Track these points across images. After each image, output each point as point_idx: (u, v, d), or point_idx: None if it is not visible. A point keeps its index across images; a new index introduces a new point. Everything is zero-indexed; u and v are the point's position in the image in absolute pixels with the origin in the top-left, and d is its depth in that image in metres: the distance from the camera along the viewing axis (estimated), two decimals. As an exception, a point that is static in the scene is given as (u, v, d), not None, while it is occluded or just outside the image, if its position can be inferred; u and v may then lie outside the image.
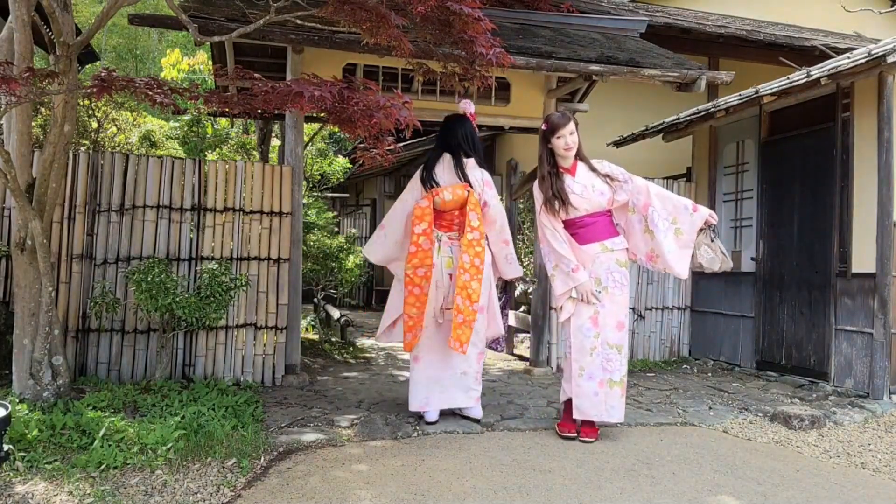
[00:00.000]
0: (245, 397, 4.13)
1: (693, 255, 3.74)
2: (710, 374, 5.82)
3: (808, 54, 7.74)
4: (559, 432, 3.71)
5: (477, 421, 3.93)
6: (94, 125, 6.82)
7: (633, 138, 7.01)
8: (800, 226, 5.47)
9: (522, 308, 7.58)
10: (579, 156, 3.78)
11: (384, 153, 4.33)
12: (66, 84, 3.57)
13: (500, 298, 4.40)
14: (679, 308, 6.49)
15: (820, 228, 5.24)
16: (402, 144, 8.75)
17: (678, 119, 6.40)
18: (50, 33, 3.74)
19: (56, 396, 3.75)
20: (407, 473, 3.03)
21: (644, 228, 3.72)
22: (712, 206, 6.40)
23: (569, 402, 3.74)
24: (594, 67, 5.06)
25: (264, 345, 4.90)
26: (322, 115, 4.24)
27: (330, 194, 12.16)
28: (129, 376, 4.60)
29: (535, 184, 3.85)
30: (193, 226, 4.81)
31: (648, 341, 6.35)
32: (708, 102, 6.50)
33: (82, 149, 5.49)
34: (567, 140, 3.68)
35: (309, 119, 5.82)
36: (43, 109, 5.99)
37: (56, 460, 2.95)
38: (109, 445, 3.09)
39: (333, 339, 7.34)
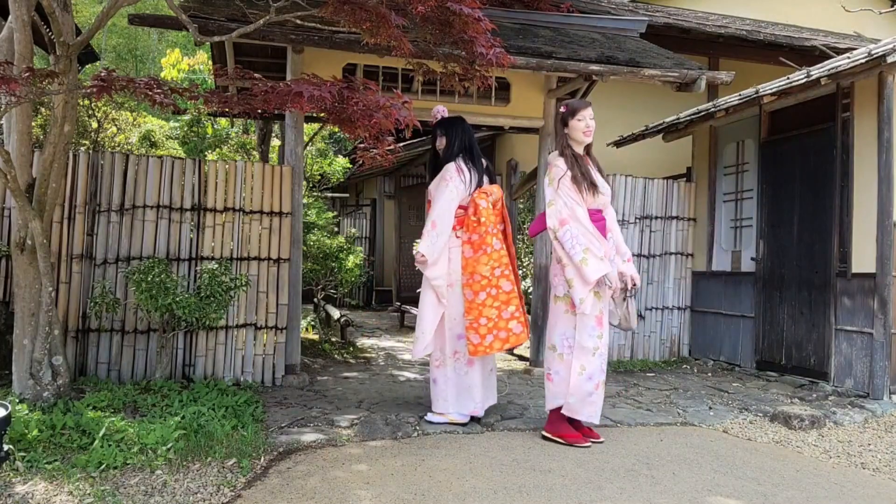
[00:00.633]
0: (245, 397, 4.13)
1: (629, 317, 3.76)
2: (710, 374, 5.82)
3: (808, 54, 7.75)
4: (567, 441, 3.54)
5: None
6: (94, 125, 6.83)
7: (633, 138, 7.01)
8: (800, 226, 5.47)
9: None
10: (588, 150, 3.74)
11: (384, 153, 4.33)
12: (66, 84, 3.57)
13: None
14: (679, 308, 6.49)
15: (820, 228, 5.24)
16: (402, 144, 8.75)
17: (678, 119, 6.41)
18: (50, 33, 3.74)
19: (56, 396, 3.75)
20: (407, 473, 3.03)
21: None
22: (712, 206, 6.42)
23: (558, 409, 3.61)
24: (594, 67, 5.06)
25: (264, 345, 4.90)
26: (322, 115, 4.24)
27: (330, 194, 12.16)
28: (129, 376, 4.60)
29: (555, 155, 3.64)
30: (193, 226, 4.81)
31: (648, 341, 6.35)
32: (708, 102, 6.51)
33: (82, 149, 5.49)
34: (588, 123, 3.61)
35: (309, 119, 5.81)
36: (43, 109, 6.00)
37: (56, 460, 2.95)
38: (109, 445, 3.09)
39: (333, 339, 7.34)
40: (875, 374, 4.72)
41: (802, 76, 4.97)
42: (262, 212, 4.94)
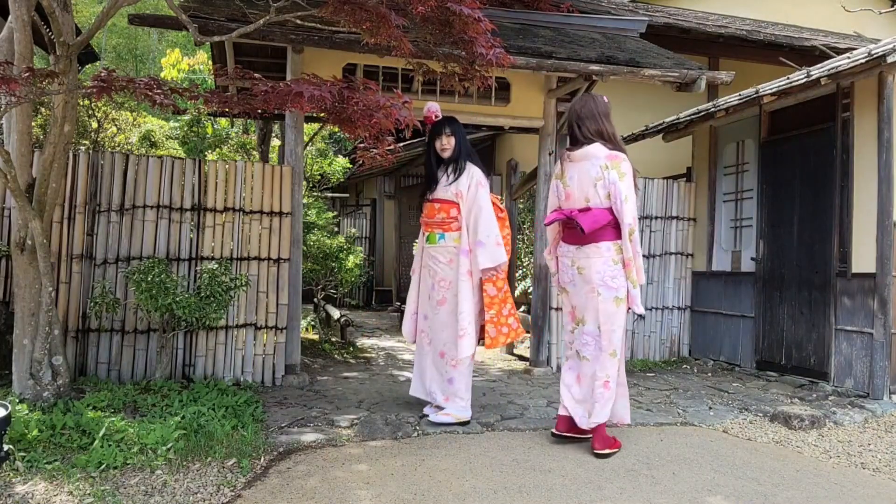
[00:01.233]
0: (245, 397, 4.13)
1: None
2: (710, 374, 5.82)
3: (808, 54, 7.75)
4: (616, 448, 3.44)
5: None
6: (94, 125, 6.83)
7: (634, 138, 7.01)
8: (800, 226, 5.47)
9: (522, 308, 7.59)
10: None
11: (384, 153, 4.33)
12: (66, 84, 3.57)
13: None
14: (679, 308, 6.49)
15: (820, 228, 5.24)
16: (402, 144, 8.75)
17: (678, 119, 6.41)
18: (50, 33, 3.73)
19: (56, 396, 3.75)
20: (407, 473, 3.03)
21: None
22: (712, 206, 6.42)
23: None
24: (594, 67, 5.06)
25: (264, 345, 4.90)
26: (322, 115, 4.24)
27: (330, 194, 12.16)
28: (129, 376, 4.60)
29: (617, 151, 3.49)
30: (193, 226, 4.81)
31: (648, 341, 6.35)
32: (708, 102, 6.51)
33: (82, 149, 5.49)
34: None
35: (309, 119, 5.81)
36: (43, 109, 5.99)
37: (56, 460, 2.95)
38: (109, 445, 3.09)
39: (333, 339, 7.34)
40: (875, 374, 4.72)
41: (802, 76, 4.97)
42: (262, 212, 4.94)
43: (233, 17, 4.41)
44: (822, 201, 5.22)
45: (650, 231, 6.38)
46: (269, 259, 4.94)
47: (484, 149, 9.89)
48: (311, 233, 7.77)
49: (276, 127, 8.79)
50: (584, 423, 3.47)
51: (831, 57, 5.70)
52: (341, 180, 10.79)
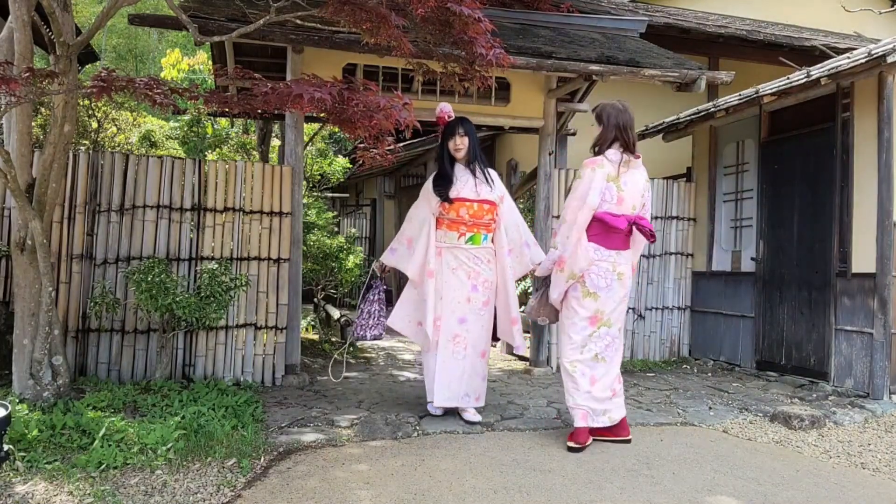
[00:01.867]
0: (245, 397, 4.13)
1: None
2: (710, 374, 5.82)
3: (808, 54, 7.75)
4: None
5: None
6: (94, 125, 6.83)
7: (633, 138, 7.00)
8: (800, 226, 5.47)
9: (522, 308, 7.58)
10: (598, 151, 3.68)
11: (384, 153, 4.33)
12: (66, 84, 3.57)
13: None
14: (679, 308, 6.49)
15: (820, 228, 5.24)
16: (402, 144, 8.75)
17: (678, 119, 6.41)
18: (50, 33, 3.74)
19: (56, 396, 3.75)
20: (407, 473, 3.03)
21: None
22: (712, 206, 6.42)
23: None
24: (594, 67, 5.06)
25: (264, 345, 4.90)
26: (322, 115, 4.24)
27: (330, 194, 12.15)
28: (129, 376, 4.61)
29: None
30: (193, 226, 4.82)
31: (648, 341, 6.35)
32: (708, 102, 6.50)
33: (82, 149, 5.49)
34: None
35: (309, 119, 5.82)
36: (43, 109, 5.99)
37: (56, 460, 2.95)
38: (109, 445, 3.09)
39: (333, 339, 7.34)
40: (875, 374, 4.72)
41: (802, 76, 4.97)
42: (262, 212, 4.94)
43: (233, 17, 4.41)
44: (822, 201, 5.22)
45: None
46: (269, 259, 4.94)
47: (484, 149, 9.83)
48: (311, 233, 7.77)
49: (276, 127, 8.79)
50: (604, 422, 3.56)
51: (831, 57, 5.70)
52: (341, 180, 10.79)
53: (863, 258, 4.87)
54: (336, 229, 9.54)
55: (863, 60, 4.50)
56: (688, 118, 6.28)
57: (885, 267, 4.72)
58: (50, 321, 3.79)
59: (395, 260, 4.14)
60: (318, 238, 7.72)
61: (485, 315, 4.05)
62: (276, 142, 9.52)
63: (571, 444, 3.46)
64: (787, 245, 5.59)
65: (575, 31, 5.94)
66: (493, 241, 4.06)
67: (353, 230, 11.43)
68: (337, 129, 7.66)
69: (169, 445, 3.14)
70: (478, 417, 3.97)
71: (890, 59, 4.35)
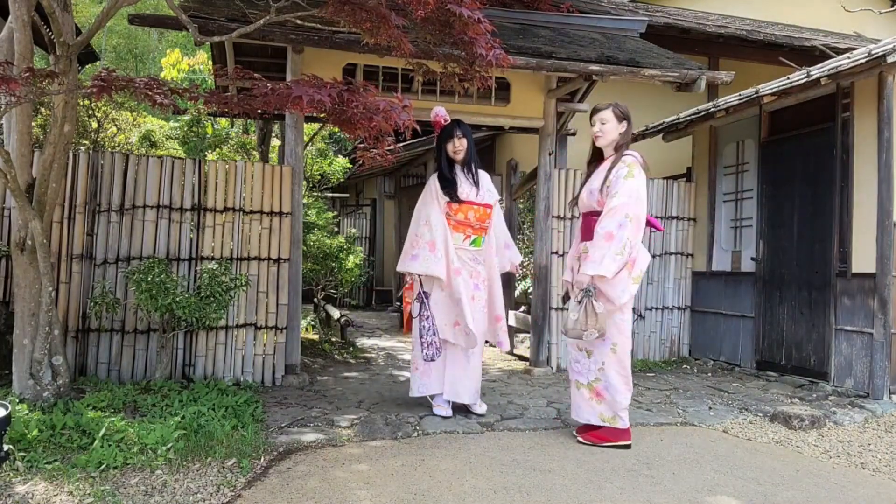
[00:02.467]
0: (245, 397, 4.13)
1: (567, 318, 3.61)
2: (710, 374, 5.82)
3: (808, 54, 7.75)
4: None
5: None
6: (94, 125, 6.83)
7: (634, 138, 6.99)
8: (800, 226, 5.47)
9: (522, 308, 7.58)
10: (616, 149, 3.62)
11: (384, 153, 4.33)
12: (66, 84, 3.57)
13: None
14: (679, 308, 6.49)
15: (820, 228, 5.24)
16: (401, 145, 8.75)
17: (678, 119, 6.40)
18: (50, 33, 3.74)
19: (56, 396, 3.75)
20: (407, 473, 3.03)
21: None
22: (712, 207, 6.42)
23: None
24: (594, 67, 5.06)
25: (264, 345, 4.90)
26: (322, 115, 4.24)
27: (330, 194, 12.15)
28: (129, 376, 4.60)
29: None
30: (193, 226, 4.82)
31: (648, 341, 6.35)
32: (708, 102, 6.50)
33: (82, 149, 5.49)
34: (594, 128, 3.63)
35: (309, 119, 5.81)
36: (43, 109, 5.99)
37: (56, 460, 2.95)
38: (109, 445, 3.09)
39: (333, 339, 7.34)
40: (875, 374, 4.72)
41: (802, 76, 4.97)
42: (262, 212, 4.94)
43: (233, 18, 4.41)
44: (822, 201, 5.22)
45: (650, 231, 6.36)
46: (269, 259, 4.94)
47: (484, 149, 9.89)
48: (311, 233, 7.78)
49: (276, 127, 8.78)
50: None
51: (831, 57, 5.70)
52: (341, 180, 10.79)
53: (863, 258, 4.87)
54: (336, 229, 9.55)
55: (863, 60, 4.50)
56: (688, 118, 6.28)
57: (885, 267, 4.72)
58: (50, 321, 3.79)
59: (421, 266, 3.99)
60: (318, 238, 7.72)
61: (484, 312, 4.16)
62: (276, 142, 9.52)
63: (628, 442, 3.54)
64: (787, 245, 5.59)
65: (575, 31, 5.94)
66: (487, 241, 4.19)
67: (353, 230, 11.43)
68: (337, 129, 7.66)
69: (169, 445, 3.14)
70: (485, 408, 4.15)
71: (890, 59, 4.35)
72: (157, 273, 4.25)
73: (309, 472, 3.01)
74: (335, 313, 8.37)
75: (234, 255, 4.88)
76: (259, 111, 4.02)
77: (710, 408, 4.51)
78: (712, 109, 5.96)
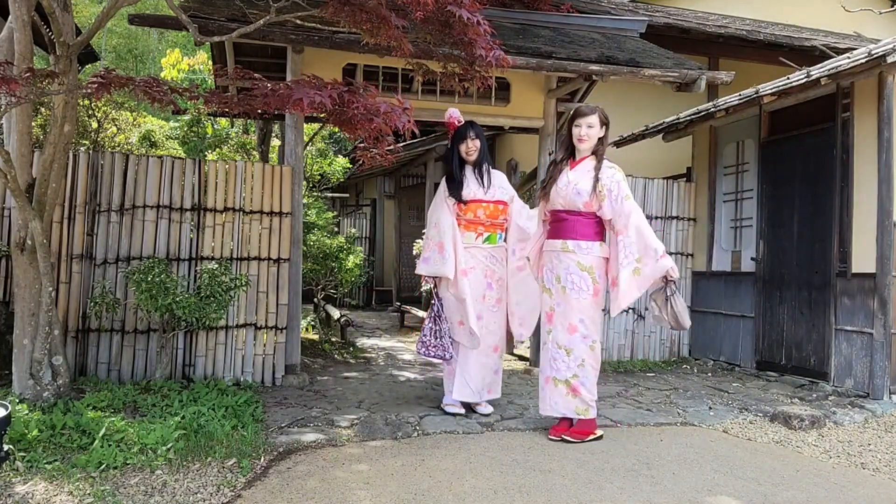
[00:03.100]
0: (245, 397, 4.13)
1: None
2: (710, 374, 5.82)
3: (808, 54, 7.74)
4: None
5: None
6: (94, 125, 6.82)
7: (633, 138, 7.01)
8: (800, 226, 5.47)
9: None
10: (595, 153, 3.71)
11: (384, 153, 4.33)
12: (66, 84, 3.57)
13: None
14: (679, 308, 6.47)
15: (820, 228, 5.24)
16: (402, 145, 8.75)
17: (678, 119, 6.40)
18: (50, 33, 3.74)
19: (56, 396, 3.75)
20: (407, 473, 3.03)
21: (615, 251, 3.64)
22: (712, 206, 6.42)
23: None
24: (594, 67, 5.06)
25: (264, 345, 4.90)
26: (322, 115, 4.25)
27: (330, 194, 12.16)
28: (129, 376, 4.60)
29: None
30: (193, 226, 4.81)
31: (648, 341, 6.35)
32: (708, 102, 6.50)
33: (82, 149, 5.48)
34: (580, 130, 3.67)
35: (309, 119, 5.82)
36: (43, 109, 5.99)
37: (56, 460, 2.95)
38: (109, 445, 3.09)
39: (333, 339, 7.34)
40: (875, 374, 4.72)
41: (802, 76, 4.97)
42: (262, 212, 4.94)
43: (233, 18, 4.41)
44: (822, 201, 5.22)
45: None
46: (269, 259, 4.94)
47: (484, 149, 9.88)
48: (311, 233, 7.78)
49: (276, 127, 8.79)
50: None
51: (831, 57, 5.70)
52: (341, 180, 10.80)
53: (863, 258, 4.87)
54: (336, 229, 9.55)
55: (863, 60, 4.50)
56: (688, 118, 6.28)
57: (885, 267, 4.72)
58: (50, 321, 3.79)
59: (432, 268, 4.07)
60: (318, 238, 7.72)
61: (497, 312, 4.16)
62: (276, 142, 9.52)
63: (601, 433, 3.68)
64: (787, 245, 5.59)
65: (575, 31, 5.94)
66: (504, 239, 4.22)
67: (353, 230, 11.43)
68: (337, 129, 7.66)
69: (169, 445, 3.14)
70: (490, 409, 4.15)
71: (890, 59, 4.35)
72: (157, 273, 4.25)
73: (309, 472, 3.01)
74: (335, 313, 8.37)
75: (234, 255, 4.88)
76: (259, 111, 4.03)
77: (710, 408, 4.51)
78: (712, 109, 5.96)
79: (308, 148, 9.32)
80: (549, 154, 5.82)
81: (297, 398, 4.48)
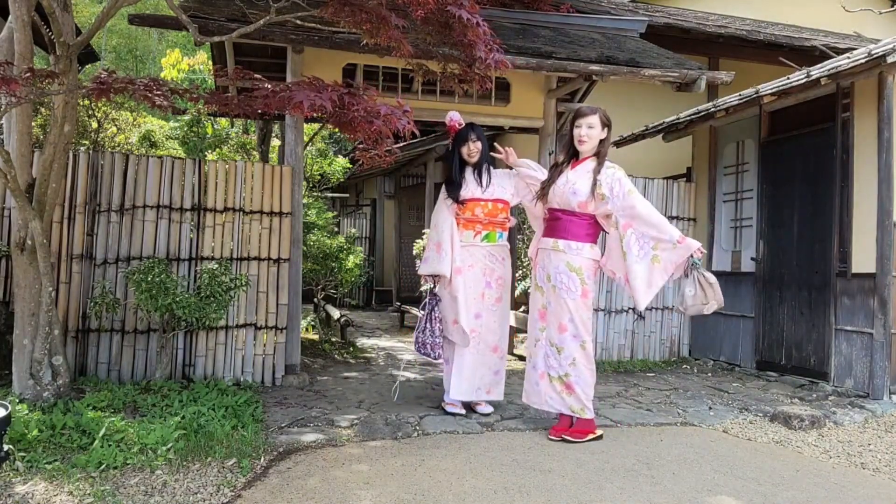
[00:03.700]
0: (245, 397, 4.13)
1: (682, 295, 3.66)
2: (710, 374, 5.82)
3: (808, 54, 7.75)
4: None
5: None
6: (94, 125, 6.83)
7: (633, 138, 7.01)
8: (800, 226, 5.47)
9: (522, 308, 7.58)
10: (597, 153, 3.72)
11: (384, 154, 4.34)
12: (66, 84, 3.57)
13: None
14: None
15: (820, 228, 5.24)
16: (401, 145, 8.75)
17: (678, 119, 6.40)
18: (50, 33, 3.74)
19: (56, 396, 3.75)
20: (407, 473, 3.03)
21: (619, 248, 3.61)
22: (712, 207, 6.42)
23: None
24: (594, 67, 5.06)
25: (264, 345, 4.90)
26: (323, 116, 4.25)
27: (330, 194, 12.16)
28: (129, 376, 4.60)
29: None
30: (193, 226, 4.81)
31: (648, 341, 6.35)
32: (708, 102, 6.50)
33: (82, 149, 5.48)
34: (581, 131, 3.68)
35: (309, 119, 5.82)
36: (43, 109, 5.99)
37: (56, 460, 2.95)
38: (109, 445, 3.09)
39: (333, 339, 7.34)
40: (875, 374, 4.72)
41: (802, 76, 4.97)
42: (262, 212, 4.94)
43: (233, 18, 4.41)
44: (822, 201, 5.22)
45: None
46: (269, 259, 4.94)
47: (484, 149, 9.88)
48: (311, 233, 7.78)
49: (276, 127, 8.79)
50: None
51: (831, 57, 5.70)
52: (341, 180, 10.80)
53: (863, 258, 4.87)
54: (336, 229, 9.55)
55: (863, 60, 4.50)
56: (688, 118, 6.28)
57: (885, 267, 4.72)
58: (50, 321, 3.79)
59: (430, 267, 4.11)
60: (318, 238, 7.72)
61: (497, 311, 4.16)
62: (276, 142, 9.53)
63: (600, 433, 3.69)
64: (787, 245, 5.59)
65: (575, 32, 5.94)
66: (505, 238, 4.23)
67: (353, 230, 11.44)
68: (337, 130, 7.67)
69: (169, 445, 3.14)
70: (489, 409, 4.14)
71: (890, 59, 4.35)
72: (157, 273, 4.25)
73: (309, 472, 3.01)
74: (335, 313, 8.37)
75: (234, 255, 4.87)
76: (259, 112, 4.03)
77: (710, 408, 4.52)
78: (712, 109, 5.96)
79: (308, 148, 9.32)
80: (549, 154, 5.82)
81: (297, 398, 4.48)
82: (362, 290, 12.00)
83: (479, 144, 4.15)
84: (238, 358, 4.84)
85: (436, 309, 4.09)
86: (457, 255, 4.05)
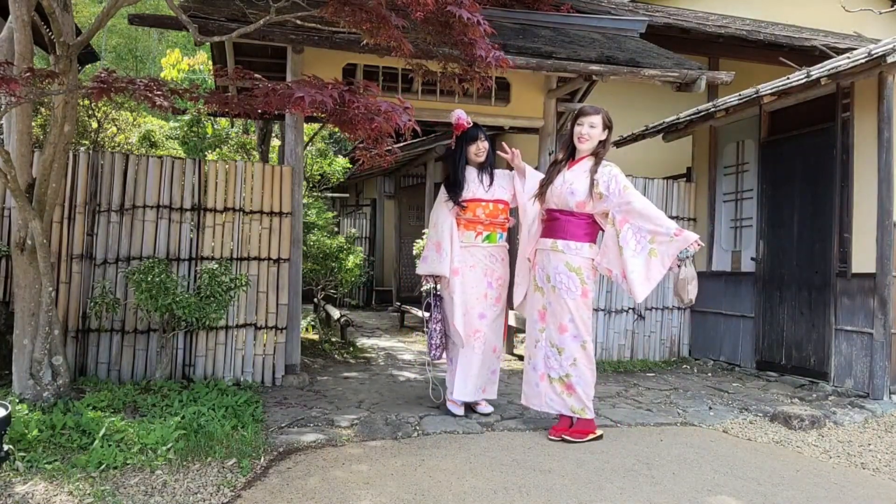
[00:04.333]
0: (245, 397, 4.13)
1: (677, 286, 3.62)
2: (710, 374, 5.82)
3: (808, 54, 7.75)
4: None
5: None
6: (94, 125, 6.83)
7: (633, 138, 7.01)
8: (800, 226, 5.47)
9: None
10: (595, 153, 3.72)
11: (384, 153, 4.34)
12: (66, 84, 3.57)
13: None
14: (679, 308, 6.48)
15: (820, 228, 5.24)
16: (401, 145, 8.74)
17: (678, 119, 6.41)
18: (50, 33, 3.73)
19: (56, 396, 3.75)
20: (407, 473, 3.03)
21: (616, 244, 3.58)
22: (712, 207, 6.42)
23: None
24: (594, 67, 5.06)
25: (264, 345, 4.90)
26: (323, 115, 4.25)
27: (330, 194, 12.16)
28: (129, 376, 4.60)
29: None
30: (193, 226, 4.81)
31: (648, 341, 6.35)
32: (708, 102, 6.51)
33: (82, 149, 5.48)
34: (582, 129, 3.67)
35: (309, 119, 5.82)
36: (43, 109, 5.99)
37: (56, 460, 2.95)
38: (109, 445, 3.09)
39: (333, 339, 7.34)
40: (875, 374, 4.72)
41: (802, 76, 4.97)
42: (262, 212, 4.94)
43: (233, 17, 4.41)
44: (822, 201, 5.22)
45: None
46: (269, 259, 4.94)
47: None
48: (311, 233, 7.78)
49: (276, 127, 8.79)
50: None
51: (831, 57, 5.70)
52: (341, 180, 10.80)
53: (863, 258, 4.87)
54: (336, 229, 9.55)
55: (863, 60, 4.50)
56: (688, 118, 6.28)
57: (885, 267, 4.72)
58: (50, 321, 3.79)
59: (430, 267, 4.12)
60: (318, 238, 7.72)
61: (497, 311, 4.16)
62: (276, 142, 9.53)
63: (600, 433, 3.70)
64: (787, 245, 5.59)
65: (575, 32, 5.94)
66: (505, 238, 4.23)
67: (353, 230, 11.44)
68: (337, 129, 7.67)
69: (169, 445, 3.14)
70: (489, 409, 4.16)
71: (890, 59, 4.35)
72: (157, 273, 4.25)
73: (309, 472, 3.01)
74: (335, 313, 8.37)
75: (234, 255, 4.87)
76: (259, 111, 4.03)
77: (710, 408, 4.52)
78: (712, 109, 5.97)
79: (308, 148, 9.32)
80: (550, 154, 5.82)
81: (297, 398, 4.48)
82: (362, 290, 12.00)
83: (486, 144, 4.17)
84: (238, 358, 4.84)
85: (440, 310, 4.12)
86: (456, 255, 4.06)
